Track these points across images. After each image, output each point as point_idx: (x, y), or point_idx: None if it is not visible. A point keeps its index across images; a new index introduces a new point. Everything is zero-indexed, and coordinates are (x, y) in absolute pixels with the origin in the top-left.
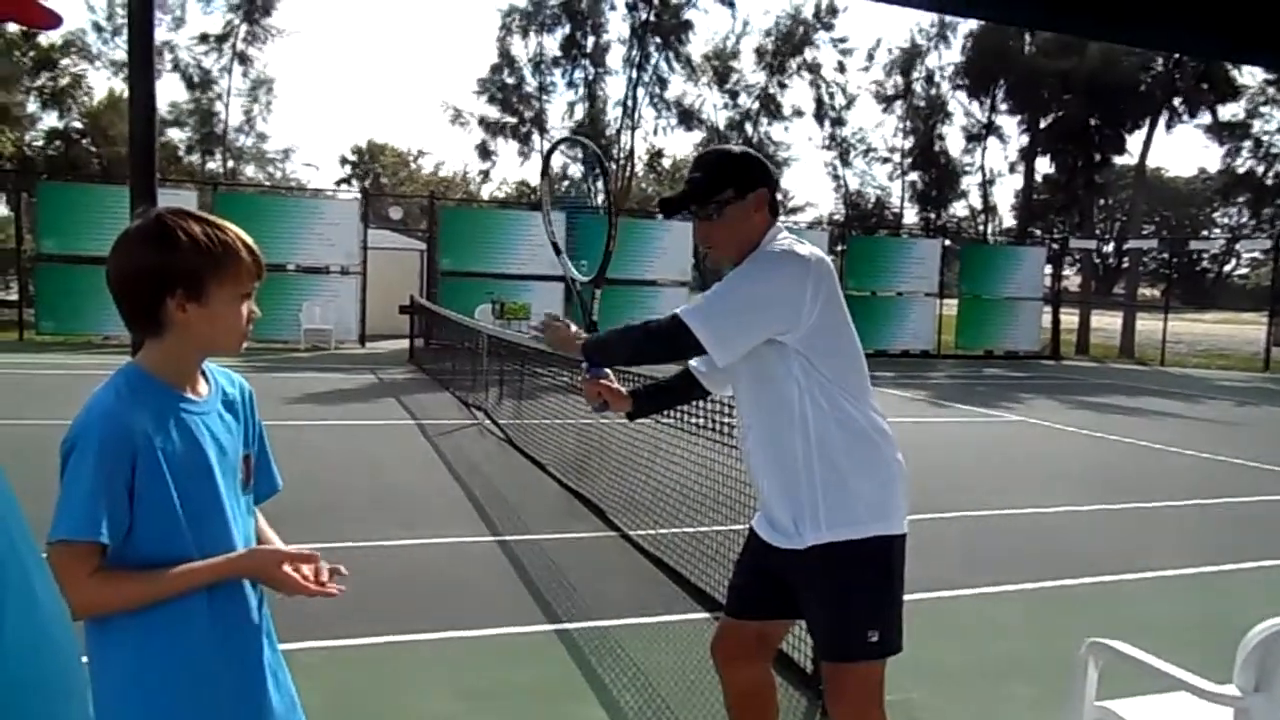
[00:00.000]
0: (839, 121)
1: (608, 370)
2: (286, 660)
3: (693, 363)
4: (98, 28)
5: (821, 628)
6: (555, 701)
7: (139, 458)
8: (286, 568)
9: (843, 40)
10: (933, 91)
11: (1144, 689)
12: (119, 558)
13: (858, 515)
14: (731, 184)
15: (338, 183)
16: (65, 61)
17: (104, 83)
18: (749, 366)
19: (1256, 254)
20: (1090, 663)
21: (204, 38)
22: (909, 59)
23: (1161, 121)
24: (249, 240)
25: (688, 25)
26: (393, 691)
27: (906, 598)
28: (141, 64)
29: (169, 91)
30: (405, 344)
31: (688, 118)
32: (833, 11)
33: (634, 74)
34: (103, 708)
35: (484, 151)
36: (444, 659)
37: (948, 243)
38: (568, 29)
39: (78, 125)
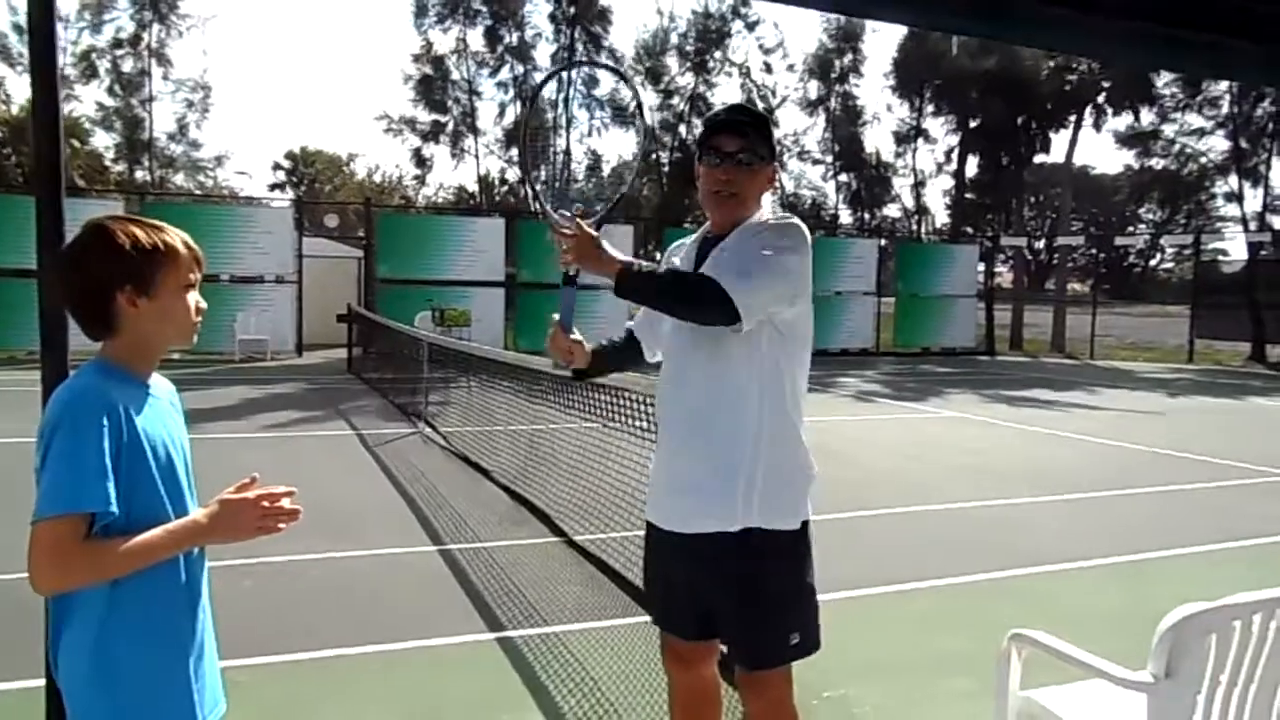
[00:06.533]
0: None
1: (573, 325)
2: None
3: (632, 322)
4: (18, 29)
5: (741, 632)
6: (497, 710)
7: (125, 432)
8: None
9: (756, 24)
10: (850, 100)
11: (1073, 677)
12: (105, 535)
13: (789, 508)
14: (769, 146)
15: (271, 188)
16: None
17: (27, 89)
18: (705, 336)
19: (1180, 249)
20: (1014, 653)
21: (118, 42)
22: (823, 64)
23: (1088, 122)
24: (183, 234)
25: (605, 15)
26: (327, 708)
27: (841, 595)
28: (44, 70)
29: (91, 97)
30: (343, 353)
31: (621, 116)
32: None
33: (565, 73)
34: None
35: (419, 159)
36: (383, 672)
37: (884, 242)
38: (490, 23)
39: None
